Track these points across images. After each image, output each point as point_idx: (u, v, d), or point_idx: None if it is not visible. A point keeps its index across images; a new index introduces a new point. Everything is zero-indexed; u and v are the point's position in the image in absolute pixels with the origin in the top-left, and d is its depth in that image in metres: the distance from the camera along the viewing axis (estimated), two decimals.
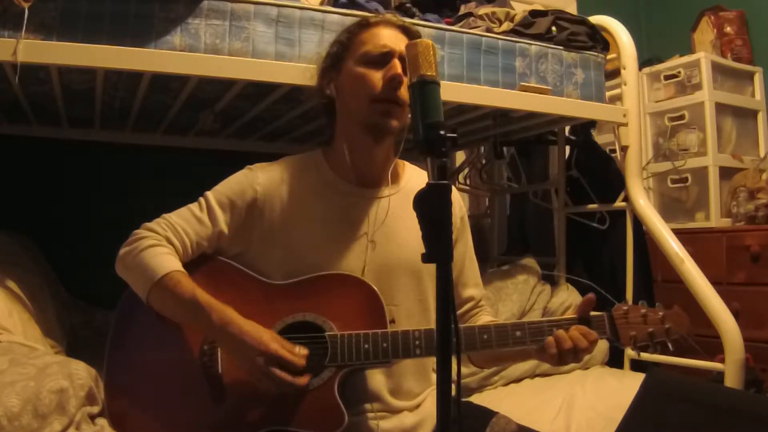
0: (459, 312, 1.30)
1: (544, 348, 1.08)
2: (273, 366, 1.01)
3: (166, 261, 1.11)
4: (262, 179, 1.20)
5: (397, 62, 1.14)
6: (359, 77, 1.16)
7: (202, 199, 1.20)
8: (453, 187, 1.36)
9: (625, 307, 1.13)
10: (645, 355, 1.14)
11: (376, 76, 1.14)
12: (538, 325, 1.10)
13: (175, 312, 1.10)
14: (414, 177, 1.29)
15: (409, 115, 1.17)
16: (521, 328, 1.10)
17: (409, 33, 1.20)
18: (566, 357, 1.07)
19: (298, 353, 1.03)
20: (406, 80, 1.12)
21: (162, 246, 1.13)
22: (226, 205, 1.19)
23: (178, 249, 1.15)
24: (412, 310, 1.21)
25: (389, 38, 1.16)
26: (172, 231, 1.15)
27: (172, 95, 1.77)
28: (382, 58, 1.15)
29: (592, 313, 1.13)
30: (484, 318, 1.30)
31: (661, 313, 1.12)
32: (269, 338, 1.03)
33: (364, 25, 1.20)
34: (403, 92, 1.13)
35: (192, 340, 1.12)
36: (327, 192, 1.22)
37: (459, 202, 1.35)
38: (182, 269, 1.12)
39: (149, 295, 1.10)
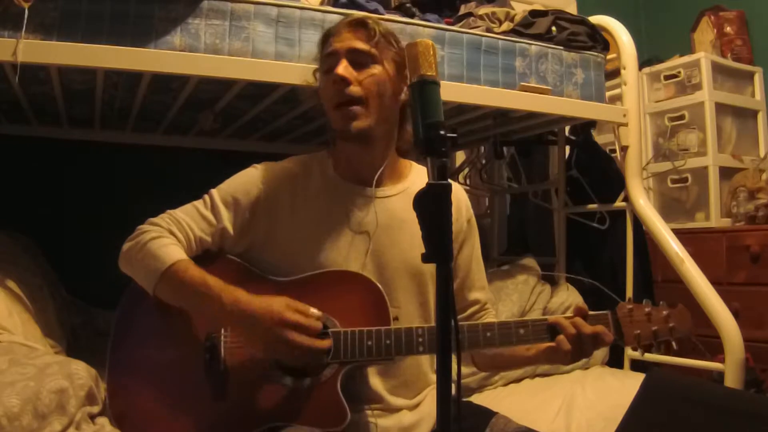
0: (464, 315, 1.29)
1: (554, 348, 1.09)
2: (289, 332, 1.01)
3: (173, 251, 1.11)
4: (266, 178, 1.21)
5: (342, 62, 1.14)
6: (322, 87, 1.20)
7: (206, 197, 1.21)
8: (462, 190, 1.37)
9: (629, 306, 1.12)
10: (645, 355, 1.13)
11: (329, 83, 1.16)
12: (541, 322, 1.10)
13: (184, 299, 1.10)
14: (419, 178, 1.28)
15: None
16: (525, 325, 1.10)
17: (363, 24, 1.18)
18: (578, 351, 1.07)
19: (312, 315, 1.04)
20: (357, 75, 1.13)
21: (166, 237, 1.14)
22: (230, 203, 1.19)
23: (182, 242, 1.15)
24: (414, 312, 1.21)
25: (338, 39, 1.17)
26: (176, 225, 1.16)
27: (172, 95, 1.77)
28: (332, 63, 1.16)
29: (597, 312, 1.13)
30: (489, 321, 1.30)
31: (665, 312, 1.11)
32: (280, 306, 1.03)
33: (325, 35, 1.22)
34: (354, 89, 1.13)
35: (194, 337, 1.12)
36: (330, 191, 1.22)
37: (467, 204, 1.33)
38: (189, 258, 1.12)
39: (157, 285, 1.10)
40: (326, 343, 1.05)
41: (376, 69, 1.16)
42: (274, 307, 1.03)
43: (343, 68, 1.13)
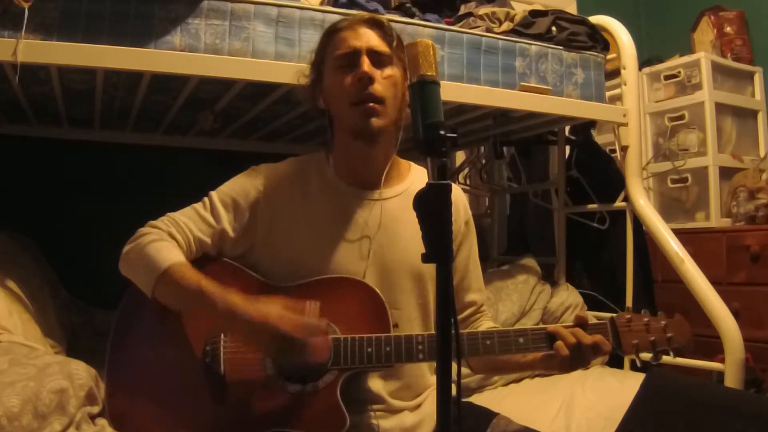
0: (460, 317, 1.29)
1: (552, 356, 1.09)
2: (287, 346, 1.01)
3: (170, 254, 1.11)
4: (265, 180, 1.21)
5: (365, 59, 1.14)
6: (335, 85, 1.17)
7: (206, 199, 1.21)
8: (460, 191, 1.37)
9: (628, 315, 1.12)
10: (644, 355, 1.14)
11: (348, 80, 1.14)
12: (540, 331, 1.10)
13: (181, 303, 1.10)
14: (419, 179, 1.28)
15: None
16: (524, 334, 1.10)
17: (379, 24, 1.19)
18: (576, 360, 1.07)
19: (310, 311, 1.03)
20: (379, 74, 1.13)
21: (164, 240, 1.14)
22: (230, 206, 1.19)
23: (182, 244, 1.15)
24: (414, 314, 1.21)
25: (356, 37, 1.16)
26: (175, 227, 1.16)
27: (172, 95, 1.77)
28: (351, 60, 1.15)
29: (596, 319, 1.13)
30: (485, 324, 1.30)
31: (663, 322, 1.12)
32: (276, 319, 1.01)
33: (332, 32, 1.20)
34: (377, 88, 1.13)
35: (194, 340, 1.12)
36: (330, 194, 1.22)
37: (465, 206, 1.33)
38: (186, 261, 1.12)
39: (155, 288, 1.09)
40: (323, 323, 1.04)
41: (392, 70, 1.16)
42: (270, 319, 1.02)
43: (368, 66, 1.13)
